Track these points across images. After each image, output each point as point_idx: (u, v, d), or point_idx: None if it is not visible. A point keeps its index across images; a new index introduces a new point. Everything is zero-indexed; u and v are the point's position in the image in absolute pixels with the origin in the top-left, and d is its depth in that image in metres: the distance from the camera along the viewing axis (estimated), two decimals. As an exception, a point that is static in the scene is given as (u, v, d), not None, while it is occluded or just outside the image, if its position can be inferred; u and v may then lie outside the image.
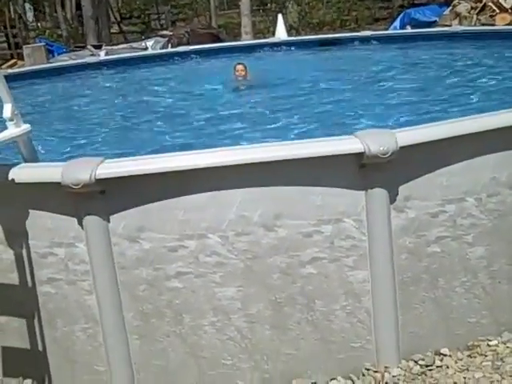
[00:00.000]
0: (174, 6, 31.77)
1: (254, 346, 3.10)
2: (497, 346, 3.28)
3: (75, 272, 3.04)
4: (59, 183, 2.82)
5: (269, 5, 27.29)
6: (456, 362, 3.18)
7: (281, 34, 12.60)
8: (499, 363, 3.14)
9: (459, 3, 16.71)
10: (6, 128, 2.98)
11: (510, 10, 15.74)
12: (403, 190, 3.06)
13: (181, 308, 3.05)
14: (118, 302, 3.03)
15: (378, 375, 3.12)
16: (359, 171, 2.97)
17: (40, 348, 3.17)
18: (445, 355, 3.23)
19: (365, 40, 11.12)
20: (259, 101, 7.81)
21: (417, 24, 17.23)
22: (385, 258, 3.07)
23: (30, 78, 9.78)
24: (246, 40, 17.85)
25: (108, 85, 10.11)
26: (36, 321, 3.14)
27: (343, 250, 3.05)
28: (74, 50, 18.99)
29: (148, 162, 2.94)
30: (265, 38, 15.93)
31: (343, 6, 25.78)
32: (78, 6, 26.47)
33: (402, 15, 19.04)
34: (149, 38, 19.43)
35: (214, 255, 2.99)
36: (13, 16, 22.82)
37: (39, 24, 31.60)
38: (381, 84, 8.06)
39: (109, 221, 2.95)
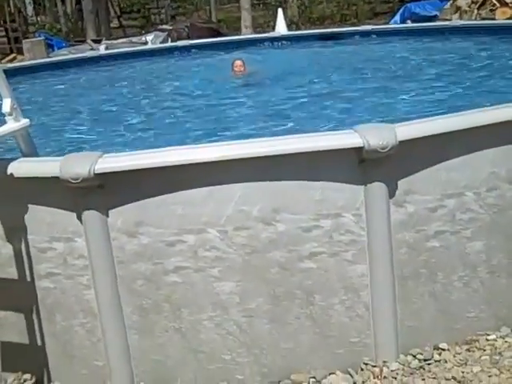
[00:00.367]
0: (174, 0, 31.73)
1: (253, 340, 3.10)
2: (495, 340, 3.28)
3: (74, 267, 3.04)
4: (58, 178, 2.82)
5: (269, -1, 27.27)
6: (454, 357, 3.18)
7: (281, 28, 12.58)
8: (497, 357, 3.15)
9: (460, -3, 16.69)
10: (5, 122, 2.99)
11: (510, 4, 15.71)
12: (402, 184, 3.06)
13: (179, 303, 3.05)
14: (117, 296, 3.03)
15: (377, 370, 3.13)
16: (358, 166, 2.97)
17: (39, 343, 3.17)
18: (443, 350, 3.24)
19: (365, 34, 11.12)
20: (258, 96, 7.76)
21: (417, 18, 17.21)
22: (384, 252, 3.07)
23: (29, 73, 9.77)
24: (246, 34, 17.85)
25: (107, 79, 10.08)
26: (35, 315, 3.14)
27: (342, 244, 3.05)
28: (73, 45, 18.99)
29: (146, 157, 2.93)
30: (265, 32, 15.86)
31: (343, 0, 25.74)
32: (78, 1, 26.47)
33: (402, 9, 19.03)
34: (149, 32, 19.43)
35: (213, 250, 2.98)
36: (12, 10, 22.75)
37: (39, 18, 31.60)
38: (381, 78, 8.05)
39: (107, 215, 2.94)
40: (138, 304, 3.06)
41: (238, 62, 8.90)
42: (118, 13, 30.28)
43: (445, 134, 3.02)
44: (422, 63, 8.82)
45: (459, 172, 3.13)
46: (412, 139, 2.96)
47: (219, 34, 17.79)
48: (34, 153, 3.25)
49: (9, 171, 2.92)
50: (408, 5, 19.11)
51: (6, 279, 3.10)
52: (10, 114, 2.99)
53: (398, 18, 18.64)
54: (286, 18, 13.55)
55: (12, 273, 3.09)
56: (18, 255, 3.05)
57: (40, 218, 3.00)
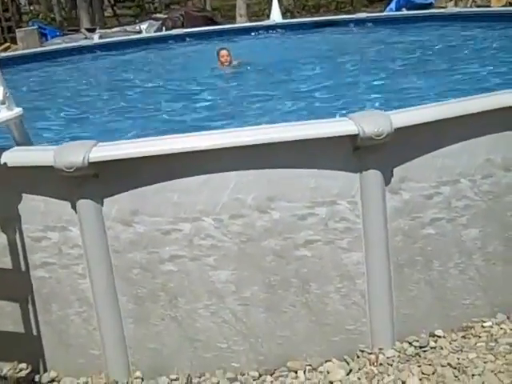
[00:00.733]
0: (169, -11, 31.58)
1: (249, 328, 3.10)
2: (491, 327, 3.29)
3: (69, 256, 3.03)
4: (52, 167, 2.80)
5: (264, -13, 27.11)
6: (450, 343, 3.19)
7: (275, 16, 12.55)
8: (493, 344, 3.15)
9: (455, -16, 16.65)
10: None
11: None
12: (398, 171, 3.05)
13: (175, 291, 3.05)
14: (112, 285, 3.03)
15: (373, 357, 3.13)
16: (354, 153, 2.96)
17: (34, 332, 3.17)
18: (439, 337, 3.24)
19: (360, 22, 11.09)
20: (246, 87, 7.67)
21: (413, 6, 17.12)
22: (379, 240, 3.07)
23: (22, 63, 9.73)
24: (241, 23, 17.77)
25: (100, 68, 10.04)
26: (30, 305, 3.14)
27: (337, 232, 3.04)
28: (67, 34, 18.89)
29: (141, 145, 2.92)
30: (260, 20, 15.79)
31: (338, -12, 25.66)
32: (72, -11, 26.28)
33: (397, -3, 18.91)
34: (143, 21, 19.34)
35: (209, 238, 2.98)
36: (5, -1, 22.61)
37: (32, 7, 31.34)
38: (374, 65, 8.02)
39: (102, 204, 2.93)
40: (133, 293, 3.06)
41: (224, 52, 8.69)
42: (112, 1, 30.12)
43: (440, 121, 3.01)
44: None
45: (455, 159, 3.12)
46: (407, 126, 2.95)
47: (214, 23, 17.69)
48: (27, 142, 3.23)
49: (2, 160, 2.90)
50: (403, -8, 19.01)
51: (0, 269, 3.09)
52: (3, 103, 2.97)
53: (393, 5, 18.53)
54: (280, 6, 13.52)
55: (6, 262, 3.08)
56: (12, 245, 3.04)
57: (34, 208, 2.99)
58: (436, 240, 3.19)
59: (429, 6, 17.33)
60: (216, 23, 17.57)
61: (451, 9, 12.89)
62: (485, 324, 3.31)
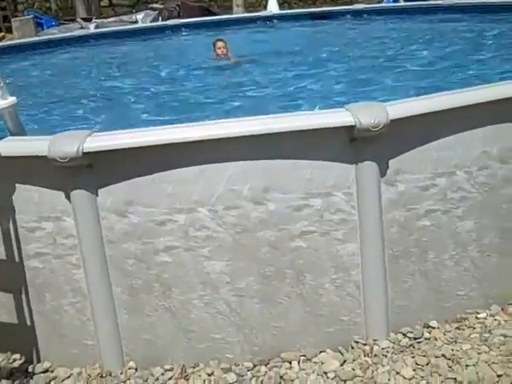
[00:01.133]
0: (165, -22, 31.39)
1: (244, 319, 3.10)
2: (485, 318, 3.30)
3: (63, 246, 3.01)
4: (46, 157, 2.78)
5: (261, -23, 26.99)
6: (444, 335, 3.20)
7: (272, 7, 12.50)
8: (487, 335, 3.16)
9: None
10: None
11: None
12: (394, 163, 3.04)
13: (170, 282, 3.04)
14: (107, 276, 3.02)
15: (367, 348, 3.14)
16: (350, 144, 2.95)
17: (28, 323, 3.16)
18: (433, 328, 3.25)
19: (357, 14, 11.04)
20: (243, 80, 7.59)
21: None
22: (375, 231, 3.06)
23: (17, 52, 9.68)
24: (238, 13, 17.70)
25: (96, 58, 9.99)
26: (24, 295, 3.13)
27: (333, 223, 3.04)
28: (63, 23, 18.81)
29: (136, 136, 2.90)
30: (256, 11, 15.73)
31: (336, -21, 25.50)
32: (67, -21, 26.14)
33: (395, -12, 18.83)
34: (139, 11, 19.26)
35: (204, 229, 2.97)
36: (1, -12, 22.46)
37: (28, -3, 31.14)
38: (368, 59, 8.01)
39: (97, 195, 2.92)
40: (127, 283, 3.05)
41: (220, 44, 8.52)
42: (109, -9, 29.95)
43: (436, 113, 3.00)
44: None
45: (450, 151, 3.12)
46: (403, 118, 2.94)
47: (210, 13, 17.64)
48: (21, 131, 3.21)
49: (-4, 150, 2.88)
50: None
51: (-6, 259, 3.08)
52: (-3, 92, 2.95)
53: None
54: (278, -2, 13.44)
55: (0, 253, 3.06)
56: (6, 235, 3.03)
57: (28, 198, 2.97)
58: (431, 231, 3.19)
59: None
60: (212, 14, 17.52)
61: (449, 0, 12.83)
62: (479, 315, 3.32)
